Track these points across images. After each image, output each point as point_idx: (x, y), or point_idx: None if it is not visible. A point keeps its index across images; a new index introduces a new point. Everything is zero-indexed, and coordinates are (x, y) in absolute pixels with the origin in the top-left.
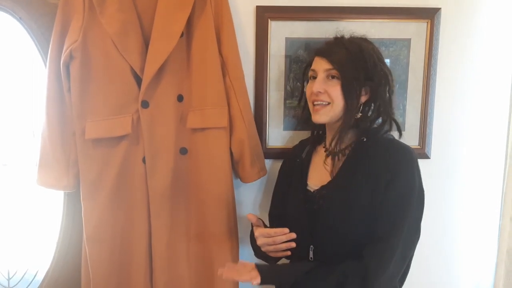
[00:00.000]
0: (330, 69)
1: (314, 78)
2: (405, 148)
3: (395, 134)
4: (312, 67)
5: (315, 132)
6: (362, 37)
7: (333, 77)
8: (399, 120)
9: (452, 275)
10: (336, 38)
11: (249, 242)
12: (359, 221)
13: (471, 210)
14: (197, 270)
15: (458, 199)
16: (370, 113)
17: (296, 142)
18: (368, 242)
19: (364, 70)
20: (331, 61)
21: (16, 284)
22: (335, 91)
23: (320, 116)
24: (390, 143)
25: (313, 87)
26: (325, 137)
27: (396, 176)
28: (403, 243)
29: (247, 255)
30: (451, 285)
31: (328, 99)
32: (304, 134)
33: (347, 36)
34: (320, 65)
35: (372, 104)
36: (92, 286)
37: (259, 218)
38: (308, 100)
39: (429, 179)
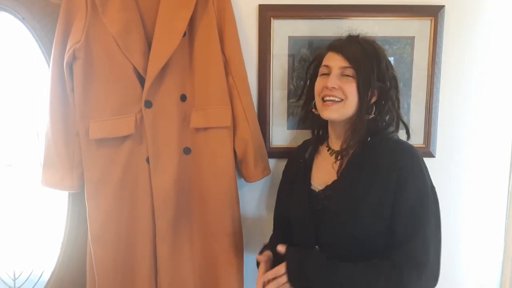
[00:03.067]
0: (346, 66)
1: (327, 74)
2: (411, 148)
3: (401, 135)
4: (325, 62)
5: (316, 131)
6: (372, 39)
7: (348, 75)
8: (404, 119)
9: (457, 274)
10: (349, 36)
11: (253, 241)
12: (366, 221)
13: (476, 209)
14: (201, 269)
15: (463, 198)
16: (378, 114)
17: (300, 141)
18: (390, 247)
19: (377, 71)
20: (347, 58)
21: (22, 284)
22: (351, 88)
23: (331, 112)
24: (395, 143)
25: (328, 83)
26: (328, 137)
27: (408, 180)
28: (434, 241)
29: (250, 254)
30: (457, 284)
31: (342, 96)
32: (308, 133)
33: (360, 34)
34: (335, 61)
35: (380, 106)
36: (97, 286)
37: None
38: (317, 96)
39: (434, 178)
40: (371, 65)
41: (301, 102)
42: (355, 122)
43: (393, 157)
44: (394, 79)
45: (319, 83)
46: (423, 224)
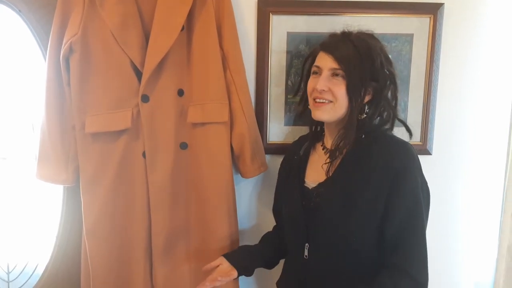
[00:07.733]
0: (336, 68)
1: (318, 74)
2: (406, 146)
3: (403, 135)
4: (317, 63)
5: (314, 128)
6: (369, 33)
7: (338, 76)
8: (401, 116)
9: (452, 271)
10: (343, 33)
11: (248, 236)
12: (357, 219)
13: (472, 206)
14: (197, 264)
15: (459, 196)
16: (372, 113)
17: (297, 138)
18: (380, 246)
19: (370, 70)
20: (337, 59)
21: (16, 277)
22: (340, 90)
23: (322, 113)
24: (390, 141)
25: (317, 85)
26: (324, 135)
27: (403, 180)
28: (424, 246)
29: None
30: (452, 282)
31: (332, 98)
32: (305, 130)
33: (354, 31)
34: (326, 62)
35: (374, 105)
36: (92, 279)
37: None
38: (308, 95)
39: (430, 175)
40: (363, 65)
41: (297, 98)
42: (346, 123)
43: (388, 156)
44: (391, 77)
45: (310, 83)
46: (418, 229)
